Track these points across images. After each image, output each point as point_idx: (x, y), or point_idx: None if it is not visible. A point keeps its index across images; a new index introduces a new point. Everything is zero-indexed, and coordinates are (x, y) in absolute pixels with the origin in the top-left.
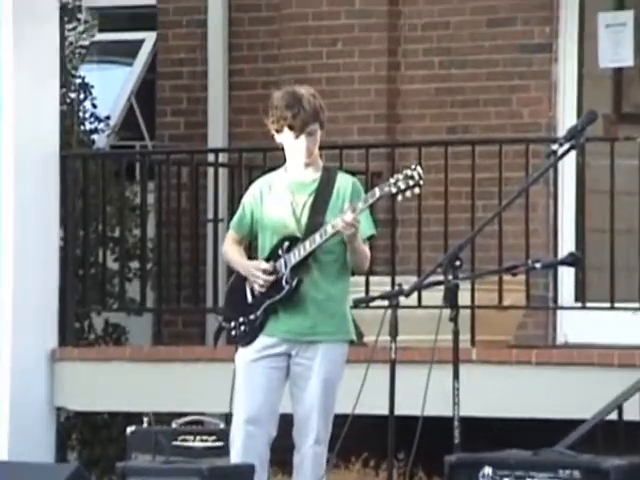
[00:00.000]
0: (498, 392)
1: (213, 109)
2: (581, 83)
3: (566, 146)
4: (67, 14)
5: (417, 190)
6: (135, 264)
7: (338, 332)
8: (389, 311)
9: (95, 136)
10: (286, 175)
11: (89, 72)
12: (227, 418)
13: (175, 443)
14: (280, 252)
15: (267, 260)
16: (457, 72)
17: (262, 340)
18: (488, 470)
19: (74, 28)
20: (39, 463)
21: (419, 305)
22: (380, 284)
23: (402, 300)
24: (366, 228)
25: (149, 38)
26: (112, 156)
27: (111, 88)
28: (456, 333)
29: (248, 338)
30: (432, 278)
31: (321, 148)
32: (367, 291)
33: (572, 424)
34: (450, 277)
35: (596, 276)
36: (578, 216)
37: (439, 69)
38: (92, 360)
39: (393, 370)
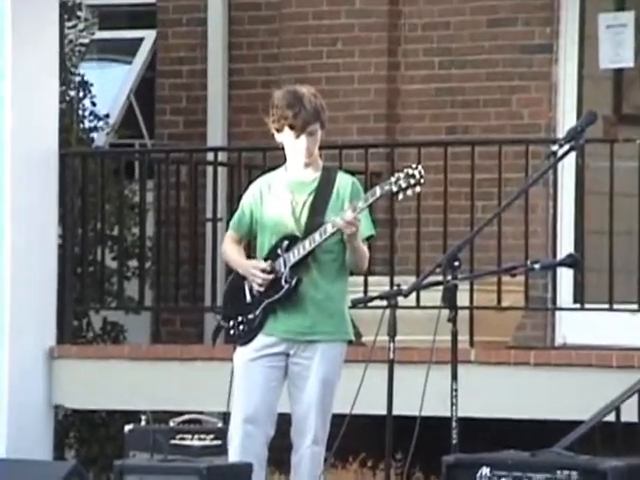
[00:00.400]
0: (496, 393)
1: (212, 108)
2: (581, 84)
3: (566, 147)
4: (67, 12)
5: (418, 189)
6: (134, 263)
7: (337, 332)
8: (387, 311)
9: (94, 134)
10: (286, 174)
11: (89, 70)
12: (225, 417)
13: (173, 442)
14: (279, 251)
15: (266, 259)
16: (457, 72)
17: (261, 339)
18: (486, 471)
19: (74, 26)
20: (37, 461)
21: (418, 305)
22: (379, 284)
23: (401, 300)
24: (365, 228)
25: (149, 36)
26: (111, 154)
27: (110, 86)
28: (454, 334)
29: (247, 337)
30: (431, 278)
31: (320, 148)
32: (365, 291)
33: (570, 425)
34: (449, 278)
35: (595, 277)
36: (577, 217)
37: (439, 69)
38: (90, 358)
39: (391, 370)
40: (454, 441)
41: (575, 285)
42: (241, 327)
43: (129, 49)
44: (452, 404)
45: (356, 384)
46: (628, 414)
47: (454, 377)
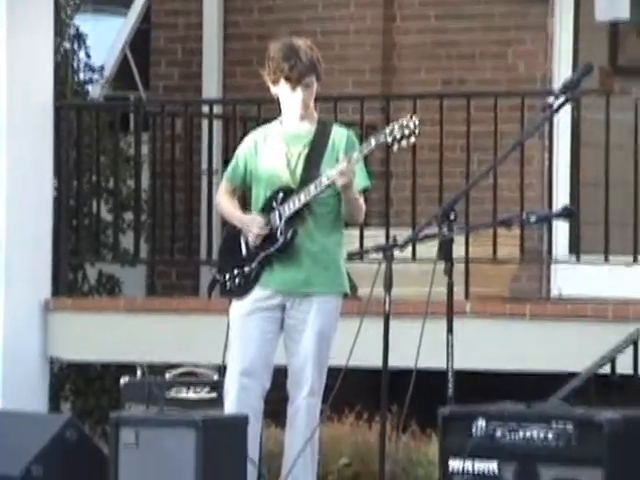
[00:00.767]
0: (492, 345)
1: (208, 60)
2: (577, 36)
3: (561, 99)
4: None
5: (413, 140)
6: (129, 215)
7: (332, 284)
8: (383, 264)
9: (89, 87)
10: (281, 127)
11: (83, 22)
12: (221, 370)
13: (169, 394)
14: (274, 204)
15: (261, 211)
16: (453, 24)
17: (256, 292)
18: (481, 422)
19: None
20: (32, 413)
21: (413, 258)
22: (374, 237)
23: (396, 253)
24: (360, 180)
25: None
26: (106, 107)
27: (105, 38)
28: (450, 286)
29: (242, 290)
30: (427, 231)
31: (316, 100)
32: (361, 244)
33: (566, 377)
34: (445, 230)
35: (590, 230)
36: (573, 170)
37: (435, 21)
38: (86, 311)
39: (387, 323)
40: (450, 393)
41: (571, 237)
42: (237, 280)
43: (124, 1)
44: (448, 356)
45: (352, 337)
46: (624, 366)
47: (450, 330)
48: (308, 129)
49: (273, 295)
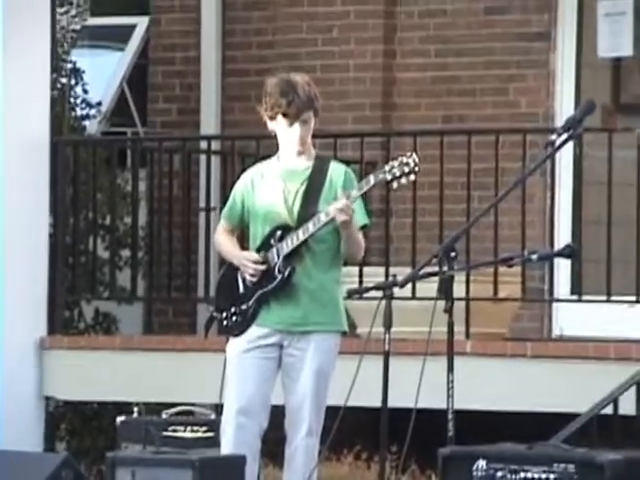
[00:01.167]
0: (493, 385)
1: (206, 96)
2: (579, 73)
3: (564, 137)
4: None
5: (412, 177)
6: (126, 252)
7: (330, 322)
8: (383, 302)
9: (86, 122)
10: (278, 163)
11: (80, 57)
12: (218, 409)
13: (166, 433)
14: (272, 241)
15: (259, 249)
16: (453, 60)
17: (254, 330)
18: (482, 463)
19: (66, 12)
20: (27, 452)
21: (413, 296)
22: (374, 275)
23: (396, 291)
24: (360, 217)
25: (141, 23)
26: (103, 143)
27: (103, 73)
28: (451, 325)
29: (240, 328)
30: (427, 269)
31: (315, 137)
32: (361, 282)
33: (567, 418)
34: (445, 268)
35: (593, 268)
36: (575, 208)
37: (435, 57)
38: (82, 349)
39: (387, 362)
40: (450, 433)
41: (572, 276)
42: (234, 318)
43: (121, 36)
44: (448, 396)
45: (351, 376)
46: (626, 407)
47: (450, 369)
48: (305, 165)
49: (271, 333)
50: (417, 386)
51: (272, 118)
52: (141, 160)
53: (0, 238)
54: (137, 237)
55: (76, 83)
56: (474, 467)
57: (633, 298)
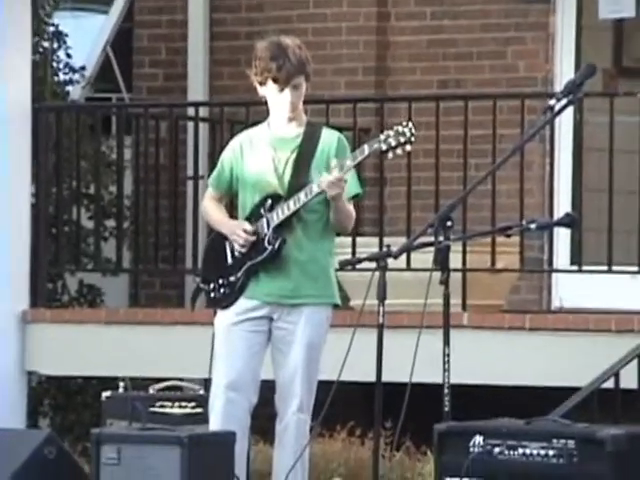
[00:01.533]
0: (490, 358)
1: (193, 60)
2: (580, 35)
3: (563, 102)
4: None
5: (408, 147)
6: (111, 223)
7: (322, 295)
8: (377, 274)
9: (69, 88)
10: (268, 130)
11: (63, 20)
12: (206, 384)
13: (152, 409)
14: (262, 211)
15: (248, 219)
16: (450, 23)
17: (242, 303)
18: (479, 439)
19: None
20: (9, 429)
21: (408, 267)
22: (367, 245)
23: (390, 262)
24: (351, 186)
25: None
26: (87, 109)
27: (86, 37)
28: (447, 297)
29: (228, 300)
30: (422, 239)
31: (306, 102)
32: (354, 253)
33: (567, 392)
34: (441, 238)
35: (593, 238)
36: (575, 175)
37: (431, 20)
38: (65, 322)
39: (381, 335)
40: (446, 409)
41: (572, 246)
42: (222, 290)
43: None
44: (444, 370)
45: (344, 350)
46: (627, 380)
47: (446, 342)
48: (296, 132)
49: (260, 306)
50: (412, 360)
51: (262, 83)
52: (126, 127)
53: None
54: (122, 207)
55: (59, 47)
56: (471, 443)
57: (635, 268)
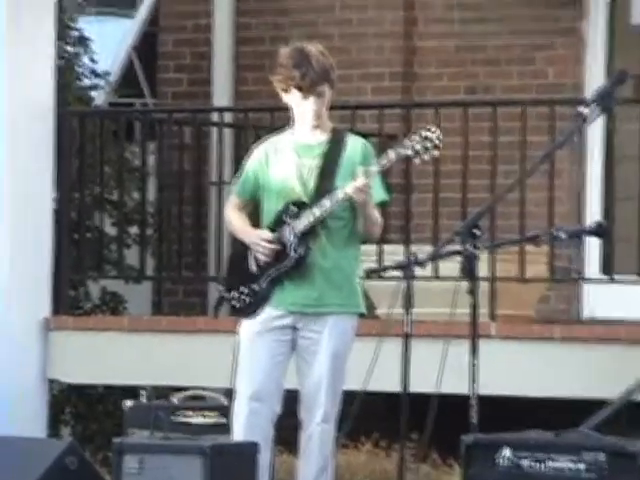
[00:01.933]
0: (519, 369)
1: (218, 65)
2: (611, 40)
3: (595, 109)
4: None
5: (435, 153)
6: (134, 229)
7: (346, 304)
8: (403, 282)
9: (93, 93)
10: (293, 137)
11: (87, 25)
12: (229, 393)
13: (175, 419)
14: (286, 218)
15: (272, 225)
16: (478, 28)
17: (267, 312)
18: (507, 451)
19: None
20: (30, 438)
21: (435, 276)
22: (394, 253)
23: (417, 271)
24: (378, 193)
25: None
26: (111, 114)
27: (110, 42)
28: (474, 306)
29: (251, 309)
30: (449, 247)
31: (332, 108)
32: (380, 261)
33: (597, 404)
34: (468, 246)
35: (624, 247)
36: (606, 183)
37: (458, 25)
38: (88, 330)
39: (407, 345)
40: (473, 420)
41: (603, 255)
42: (245, 299)
43: (130, 2)
44: (471, 381)
45: (369, 359)
46: None
47: (474, 352)
48: (321, 139)
49: (284, 315)
50: (439, 370)
51: (285, 90)
52: (150, 132)
53: (3, 215)
54: (146, 213)
55: (83, 52)
56: (498, 456)
57: None
